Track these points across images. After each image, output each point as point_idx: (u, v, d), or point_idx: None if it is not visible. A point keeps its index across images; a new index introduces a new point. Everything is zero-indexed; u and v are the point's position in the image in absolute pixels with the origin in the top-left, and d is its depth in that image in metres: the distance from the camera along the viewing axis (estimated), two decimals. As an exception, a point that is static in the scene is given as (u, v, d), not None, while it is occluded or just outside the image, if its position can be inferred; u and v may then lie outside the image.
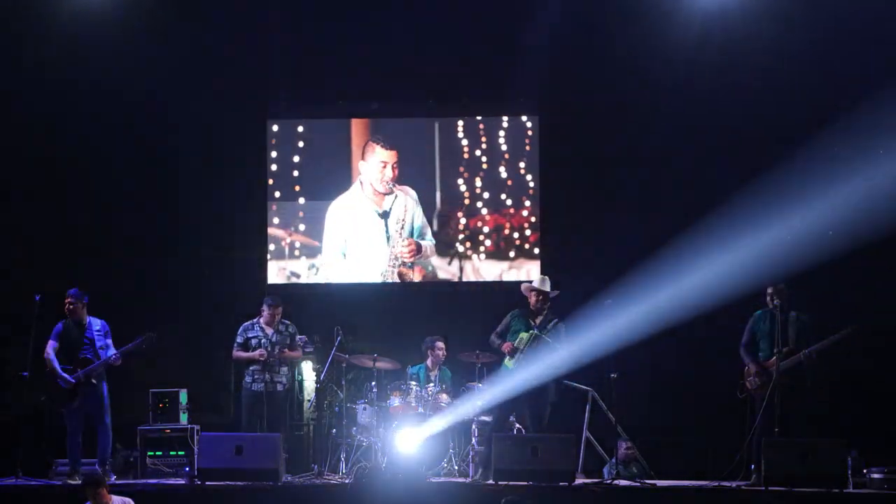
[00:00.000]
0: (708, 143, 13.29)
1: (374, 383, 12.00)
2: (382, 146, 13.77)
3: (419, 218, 13.77)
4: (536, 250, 13.77)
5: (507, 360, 11.39)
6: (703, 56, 13.02)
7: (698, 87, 13.13)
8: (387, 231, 13.75)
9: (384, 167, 13.73)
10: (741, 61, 13.00)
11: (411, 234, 13.73)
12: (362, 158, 13.79)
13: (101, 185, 13.51)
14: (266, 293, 12.69)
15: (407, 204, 13.73)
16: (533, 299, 11.53)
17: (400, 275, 13.70)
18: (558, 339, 11.34)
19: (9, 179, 13.38)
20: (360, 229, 13.78)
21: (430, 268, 13.78)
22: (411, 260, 13.72)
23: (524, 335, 11.32)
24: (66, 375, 11.17)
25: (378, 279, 13.71)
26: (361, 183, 13.79)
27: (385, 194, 13.74)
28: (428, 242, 13.78)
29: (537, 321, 11.45)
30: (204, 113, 13.45)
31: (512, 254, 13.80)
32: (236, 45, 13.44)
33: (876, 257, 12.62)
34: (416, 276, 13.75)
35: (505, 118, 13.87)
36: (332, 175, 13.92)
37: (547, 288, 11.54)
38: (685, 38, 13.02)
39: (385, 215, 13.76)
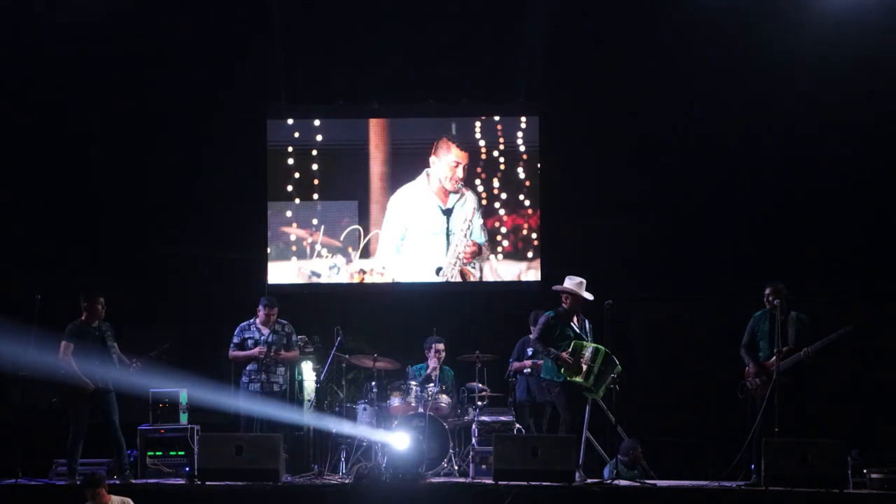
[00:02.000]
0: (710, 141, 13.31)
1: (374, 383, 12.00)
2: (458, 146, 13.86)
3: (479, 220, 13.84)
4: (520, 252, 13.82)
5: (569, 374, 11.06)
6: (706, 54, 13.03)
7: (701, 85, 13.14)
8: (448, 228, 13.80)
9: (456, 167, 13.82)
10: (743, 59, 13.01)
11: (471, 236, 13.83)
12: (434, 154, 13.86)
13: (100, 184, 13.52)
14: (266, 293, 12.70)
15: (474, 205, 13.82)
16: (567, 301, 11.32)
17: (462, 274, 13.79)
18: (595, 339, 11.25)
19: (9, 180, 13.38)
20: (421, 220, 13.85)
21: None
22: (470, 261, 13.76)
23: (591, 348, 11.03)
24: (86, 380, 11.09)
25: (429, 276, 13.80)
26: (428, 176, 13.85)
27: (451, 192, 13.81)
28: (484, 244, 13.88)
29: (575, 322, 11.26)
30: (204, 113, 13.46)
31: (530, 254, 13.80)
32: (236, 45, 13.45)
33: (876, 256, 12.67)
34: (474, 276, 13.82)
35: (523, 118, 13.89)
36: (349, 176, 13.95)
37: (584, 293, 11.28)
38: (688, 37, 13.03)
39: (448, 212, 13.81)
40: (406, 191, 13.88)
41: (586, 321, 11.35)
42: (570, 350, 11.02)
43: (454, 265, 13.77)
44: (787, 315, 10.85)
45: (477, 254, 13.82)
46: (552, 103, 13.78)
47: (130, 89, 13.31)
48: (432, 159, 13.86)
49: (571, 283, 11.34)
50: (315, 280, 13.81)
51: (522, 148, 13.89)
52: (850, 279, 12.79)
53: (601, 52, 13.38)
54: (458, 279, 13.78)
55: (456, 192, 13.84)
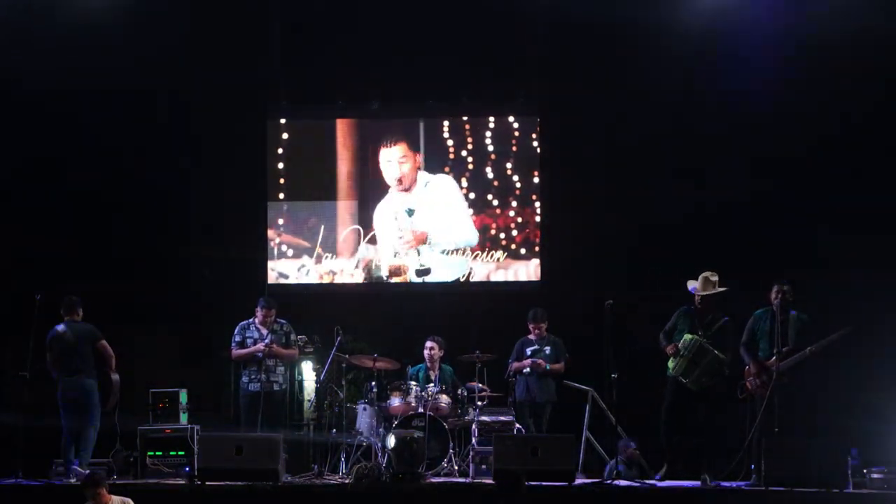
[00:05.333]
0: (707, 140, 13.31)
1: (374, 383, 11.99)
2: (384, 146, 13.85)
3: (455, 206, 13.77)
4: (523, 250, 13.80)
5: (670, 361, 11.14)
6: (704, 54, 13.03)
7: (698, 84, 13.14)
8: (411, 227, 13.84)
9: (390, 165, 13.80)
10: (741, 59, 13.01)
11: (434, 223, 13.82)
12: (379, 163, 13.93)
13: (100, 184, 13.52)
14: (266, 293, 12.71)
15: (436, 194, 13.79)
16: (697, 298, 11.22)
17: (391, 272, 13.80)
18: (725, 339, 11.06)
19: (8, 179, 13.38)
20: (393, 229, 13.85)
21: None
22: (409, 248, 13.75)
23: (688, 337, 11.01)
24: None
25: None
26: (390, 185, 13.90)
27: (406, 190, 13.79)
28: (452, 236, 13.82)
29: (705, 320, 11.11)
30: (203, 113, 13.47)
31: (499, 254, 13.81)
32: (236, 45, 13.45)
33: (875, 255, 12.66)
34: (404, 276, 13.82)
35: (491, 118, 13.91)
36: (314, 176, 13.96)
37: (709, 290, 11.13)
38: (686, 36, 13.04)
39: (412, 212, 13.80)
40: (381, 205, 13.89)
41: (724, 319, 11.13)
42: (680, 343, 11.00)
43: (395, 255, 13.78)
44: (787, 314, 10.85)
45: (422, 242, 13.79)
46: (552, 103, 13.78)
47: (130, 89, 13.30)
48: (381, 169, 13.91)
49: (698, 281, 11.23)
50: (282, 281, 13.81)
51: (491, 148, 13.90)
52: (850, 278, 12.77)
53: (601, 51, 13.38)
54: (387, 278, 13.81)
55: (408, 189, 13.80)
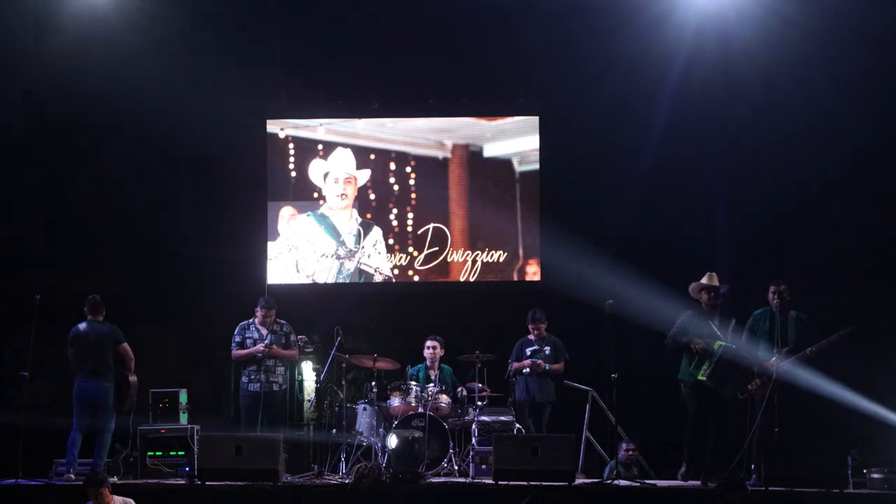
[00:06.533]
0: (707, 141, 13.32)
1: (374, 383, 12.00)
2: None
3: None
4: (522, 250, 13.83)
5: (692, 368, 10.89)
6: (702, 54, 13.05)
7: (699, 84, 13.15)
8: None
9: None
10: (739, 59, 13.02)
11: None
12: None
13: (101, 185, 13.54)
14: (266, 293, 12.71)
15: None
16: (704, 297, 11.08)
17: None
18: (739, 340, 10.94)
19: (9, 181, 13.39)
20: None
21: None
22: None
23: (720, 345, 10.78)
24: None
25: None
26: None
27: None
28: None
29: (716, 322, 10.98)
30: (204, 113, 13.45)
31: (499, 253, 13.84)
32: (236, 45, 13.46)
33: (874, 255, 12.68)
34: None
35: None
36: (296, 179, 14.00)
37: (716, 282, 11.05)
38: (683, 37, 13.05)
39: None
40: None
41: (733, 321, 11.02)
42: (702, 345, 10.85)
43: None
44: (787, 315, 10.85)
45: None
46: (552, 103, 13.78)
47: (130, 89, 13.31)
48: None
49: (704, 279, 11.10)
50: (284, 281, 13.79)
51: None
52: (850, 279, 12.79)
53: (601, 51, 13.39)
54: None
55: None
